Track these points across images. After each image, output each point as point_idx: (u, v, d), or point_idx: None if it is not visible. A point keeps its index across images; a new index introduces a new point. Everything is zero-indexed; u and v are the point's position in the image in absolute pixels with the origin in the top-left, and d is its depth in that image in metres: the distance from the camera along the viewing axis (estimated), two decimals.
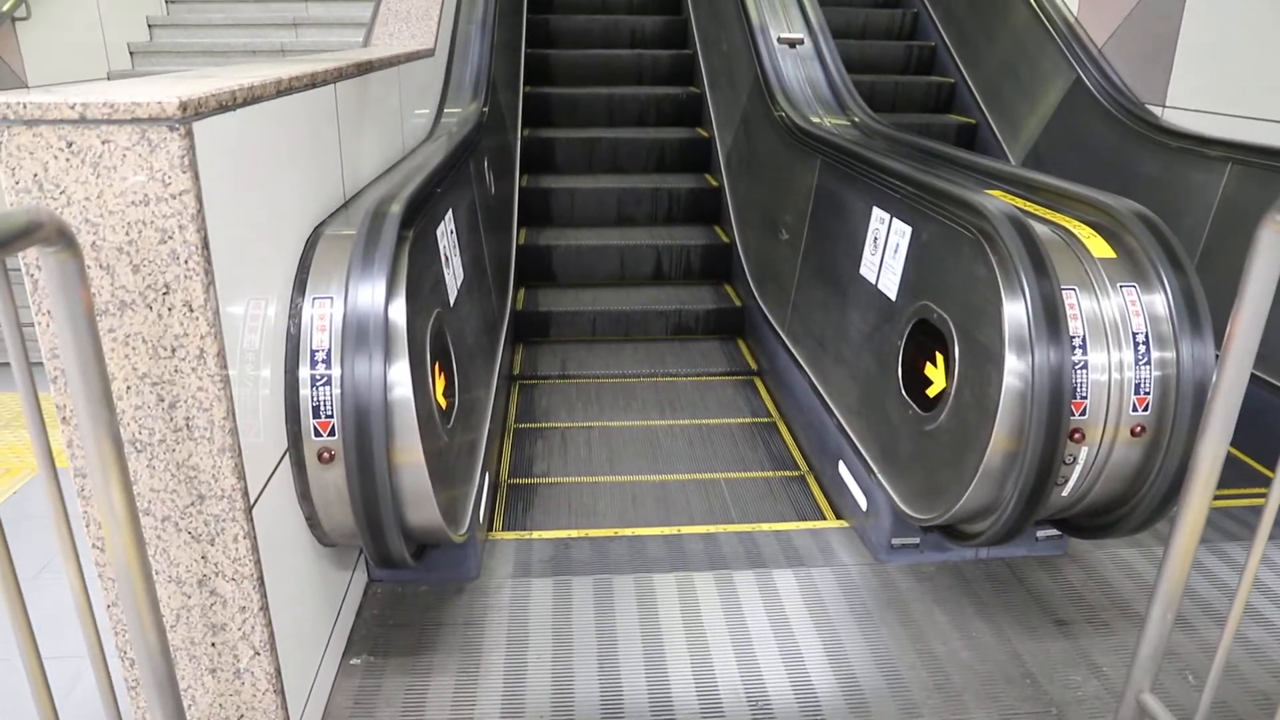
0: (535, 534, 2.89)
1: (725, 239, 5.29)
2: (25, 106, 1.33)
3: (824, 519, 3.10)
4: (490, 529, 3.00)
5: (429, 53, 3.80)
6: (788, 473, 3.46)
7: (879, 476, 2.65)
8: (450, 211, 2.73)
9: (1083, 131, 4.78)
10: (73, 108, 1.33)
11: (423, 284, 2.17)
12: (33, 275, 1.37)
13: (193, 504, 1.57)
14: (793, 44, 4.58)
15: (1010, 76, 5.56)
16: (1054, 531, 2.67)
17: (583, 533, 2.91)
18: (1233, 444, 1.54)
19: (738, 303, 4.92)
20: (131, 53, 5.87)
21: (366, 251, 1.89)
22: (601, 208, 5.58)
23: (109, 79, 5.55)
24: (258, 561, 1.64)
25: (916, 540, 2.64)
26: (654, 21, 6.88)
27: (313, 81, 2.00)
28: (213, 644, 1.68)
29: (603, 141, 5.91)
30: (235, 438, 1.54)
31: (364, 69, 2.51)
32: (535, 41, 6.60)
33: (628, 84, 6.49)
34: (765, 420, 3.94)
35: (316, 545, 2.08)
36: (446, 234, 2.61)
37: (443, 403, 2.21)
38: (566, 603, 2.47)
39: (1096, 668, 2.26)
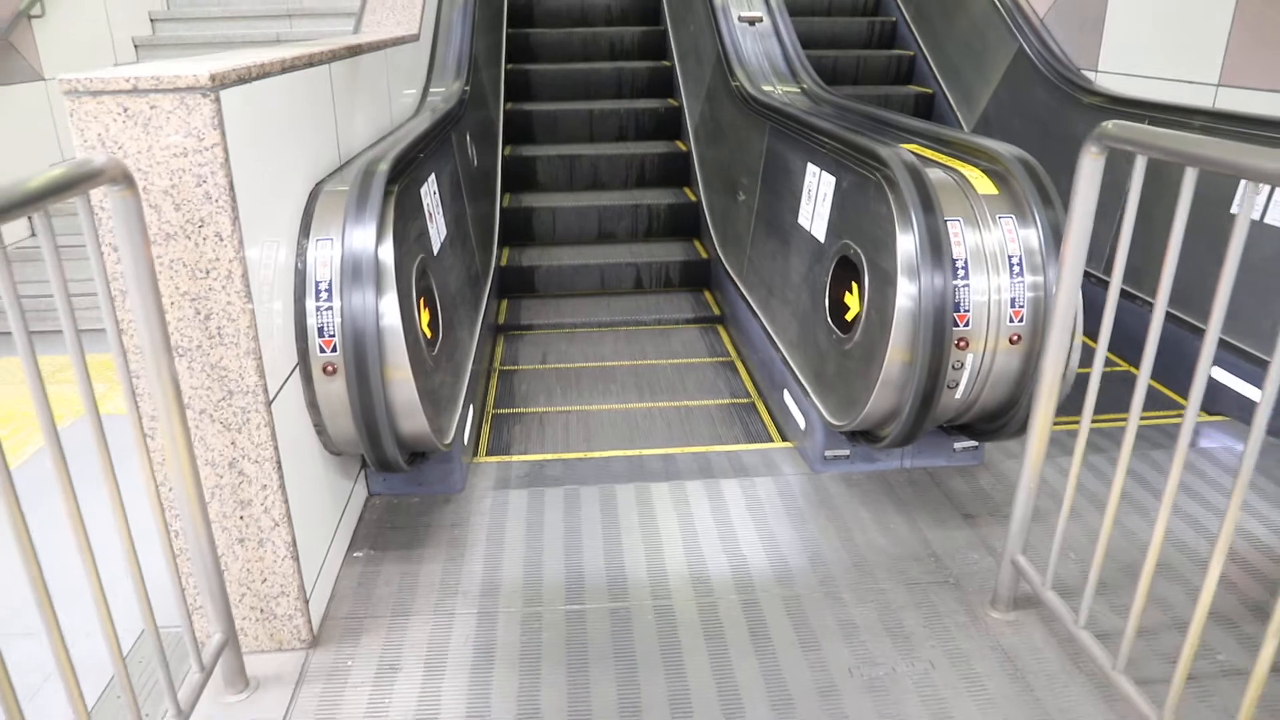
0: (515, 457, 3.29)
1: (693, 197, 5.66)
2: (91, 81, 1.71)
3: (771, 441, 3.49)
4: (475, 454, 3.39)
5: (414, 38, 4.16)
6: (741, 400, 3.85)
7: (812, 396, 3.04)
8: (433, 175, 3.11)
9: (1026, 97, 5.14)
10: (127, 80, 1.71)
11: (408, 232, 2.55)
12: (97, 214, 1.75)
13: (224, 399, 1.96)
14: (752, 22, 4.94)
15: (963, 48, 5.91)
16: (971, 444, 3.06)
17: (556, 455, 3.30)
18: (1154, 377, 1.90)
19: (704, 256, 5.31)
20: (136, 46, 6.22)
21: (359, 202, 2.28)
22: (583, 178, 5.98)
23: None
24: (276, 447, 2.03)
25: (847, 452, 3.03)
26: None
27: (310, 61, 2.38)
28: (240, 517, 2.08)
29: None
30: (257, 343, 1.93)
31: (355, 51, 2.89)
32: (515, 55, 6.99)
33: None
34: (725, 360, 4.33)
35: (324, 454, 2.48)
36: (430, 193, 2.99)
37: (428, 333, 2.60)
38: (539, 508, 2.87)
39: (992, 549, 2.65)
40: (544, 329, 4.81)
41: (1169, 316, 3.70)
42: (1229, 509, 1.51)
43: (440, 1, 4.88)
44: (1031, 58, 5.08)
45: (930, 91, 6.23)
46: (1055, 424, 2.14)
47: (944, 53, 6.17)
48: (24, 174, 1.43)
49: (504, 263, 5.24)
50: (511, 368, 4.33)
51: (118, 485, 1.55)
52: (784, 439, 3.49)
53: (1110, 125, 1.83)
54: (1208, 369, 1.59)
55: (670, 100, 6.52)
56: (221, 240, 1.83)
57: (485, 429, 3.69)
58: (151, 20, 6.44)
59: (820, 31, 6.70)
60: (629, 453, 3.30)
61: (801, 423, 3.20)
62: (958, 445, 3.05)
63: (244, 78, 1.87)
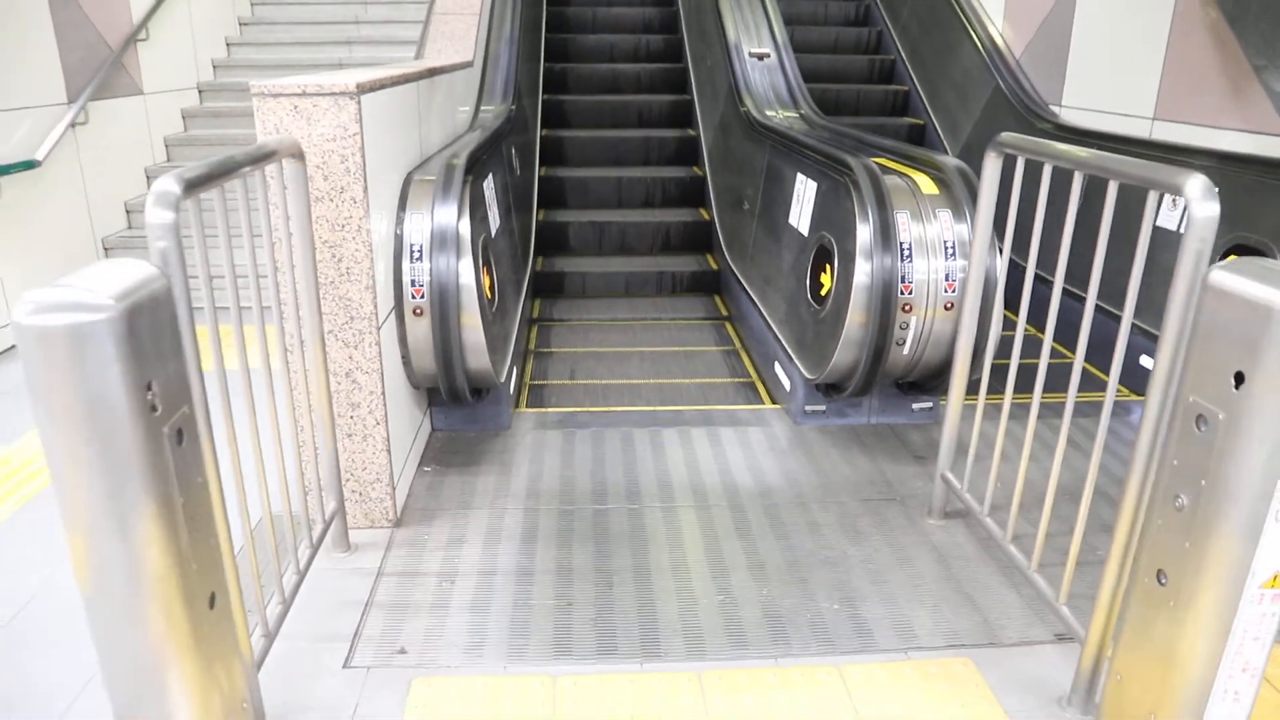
0: (551, 409, 3.97)
1: (706, 216, 6.36)
2: (272, 86, 2.42)
3: (763, 403, 4.15)
4: (518, 406, 4.07)
5: (469, 64, 4.90)
6: (742, 379, 4.52)
7: (794, 359, 3.72)
8: (490, 175, 3.82)
9: (1001, 127, 5.81)
10: (298, 87, 2.42)
11: (476, 214, 3.25)
12: (273, 179, 2.45)
13: (347, 323, 2.65)
14: (760, 57, 5.66)
15: (951, 85, 6.61)
16: (927, 404, 3.72)
17: (586, 409, 3.98)
18: (1088, 360, 2.44)
19: (714, 267, 5.99)
20: (214, 66, 7.00)
21: (445, 187, 2.99)
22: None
23: (198, 88, 6.69)
24: (381, 363, 2.72)
25: (823, 407, 3.70)
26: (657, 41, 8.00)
27: (408, 78, 3.10)
28: (351, 416, 2.76)
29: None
30: (374, 281, 2.63)
31: (433, 73, 3.61)
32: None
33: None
34: (730, 348, 5.01)
35: (407, 386, 3.16)
36: (489, 188, 3.70)
37: (489, 294, 3.29)
38: (571, 442, 3.55)
39: (933, 479, 3.30)
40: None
41: (1107, 313, 4.35)
42: (1094, 451, 2.17)
43: (489, 34, 5.62)
44: (1006, 94, 5.77)
45: (922, 122, 6.93)
46: (992, 398, 2.78)
47: (935, 88, 6.88)
48: (230, 151, 2.07)
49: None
50: (546, 350, 5.02)
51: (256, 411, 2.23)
52: (774, 401, 4.15)
53: (1004, 135, 2.51)
54: (1122, 348, 2.25)
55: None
56: (355, 203, 2.53)
57: (524, 395, 4.37)
58: (227, 44, 7.23)
59: (826, 67, 7.43)
60: (645, 409, 3.97)
61: (787, 384, 3.87)
62: (915, 405, 3.71)
63: (374, 87, 2.58)
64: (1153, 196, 1.91)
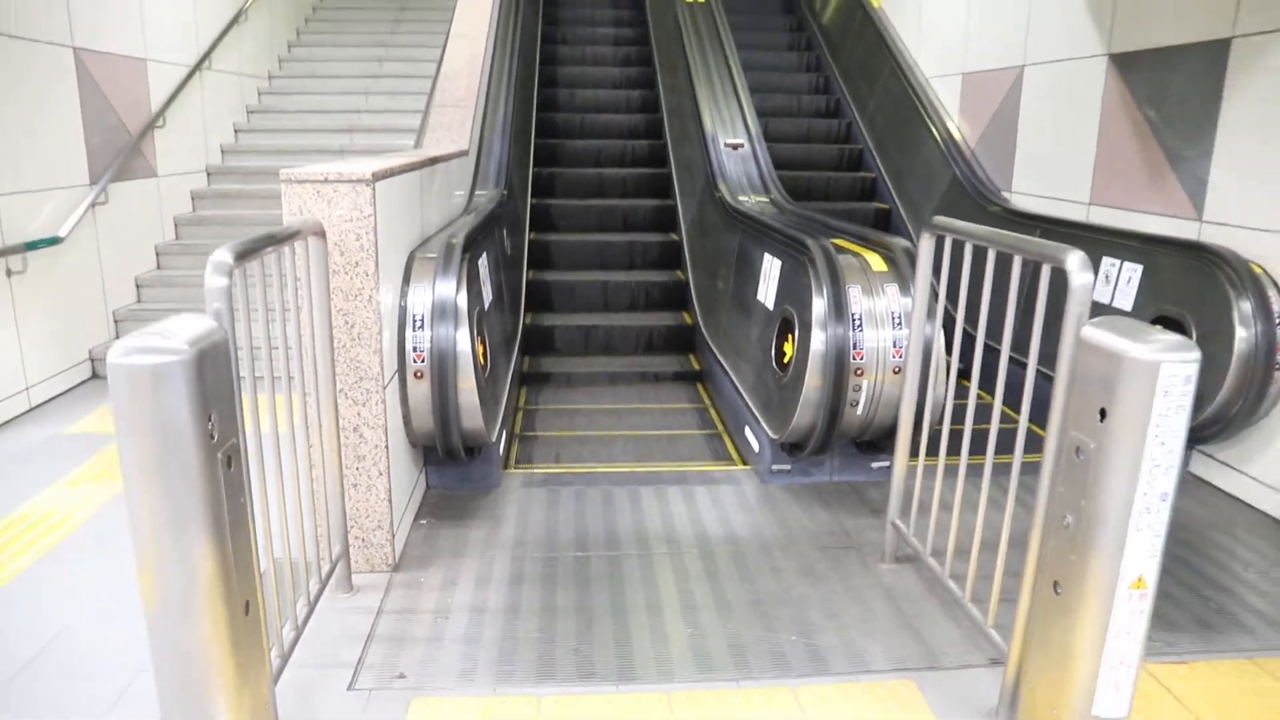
0: (537, 469, 4.26)
1: (682, 277, 6.75)
2: (298, 174, 2.78)
3: (734, 464, 4.46)
4: (506, 466, 4.36)
5: (464, 153, 5.32)
6: (711, 431, 4.84)
7: (761, 422, 4.04)
8: (485, 254, 4.19)
9: (960, 213, 6.25)
10: (321, 175, 2.78)
11: (472, 288, 3.60)
12: (297, 253, 2.79)
13: (356, 382, 2.97)
14: (735, 147, 6.13)
15: (913, 173, 7.10)
16: (884, 462, 4.03)
17: (569, 468, 4.28)
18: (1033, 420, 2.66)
19: (694, 356, 6.34)
20: (222, 151, 7.44)
21: (445, 264, 3.34)
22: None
23: (207, 171, 7.11)
24: (386, 419, 3.03)
25: (789, 467, 4.01)
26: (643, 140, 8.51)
27: (414, 166, 3.48)
28: (357, 468, 3.06)
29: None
30: (381, 345, 2.95)
31: (434, 161, 4.00)
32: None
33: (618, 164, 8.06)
34: (701, 406, 5.34)
35: (406, 444, 3.46)
36: (484, 265, 4.06)
37: (483, 361, 3.62)
38: (556, 498, 3.84)
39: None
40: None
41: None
42: (1009, 494, 2.50)
43: (483, 124, 6.06)
44: (961, 181, 6.24)
45: (888, 207, 7.40)
46: (952, 459, 3.09)
47: (899, 175, 7.36)
48: (260, 229, 2.41)
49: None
50: (534, 408, 5.33)
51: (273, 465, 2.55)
52: (744, 462, 4.46)
53: (935, 219, 2.89)
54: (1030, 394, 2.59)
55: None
56: (367, 276, 2.87)
57: (513, 451, 4.66)
58: (235, 130, 7.69)
59: (799, 156, 7.93)
60: (624, 468, 4.28)
61: (756, 446, 4.18)
62: (874, 464, 4.03)
63: (386, 175, 2.96)
64: (1046, 268, 2.27)
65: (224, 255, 1.95)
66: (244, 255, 2.05)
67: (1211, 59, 4.09)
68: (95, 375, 5.53)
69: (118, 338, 5.73)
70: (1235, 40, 3.95)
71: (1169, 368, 1.76)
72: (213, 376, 1.73)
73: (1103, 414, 1.86)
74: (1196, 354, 1.77)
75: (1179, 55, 4.31)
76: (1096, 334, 1.90)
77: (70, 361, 5.32)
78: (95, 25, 5.52)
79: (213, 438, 1.73)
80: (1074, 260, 2.07)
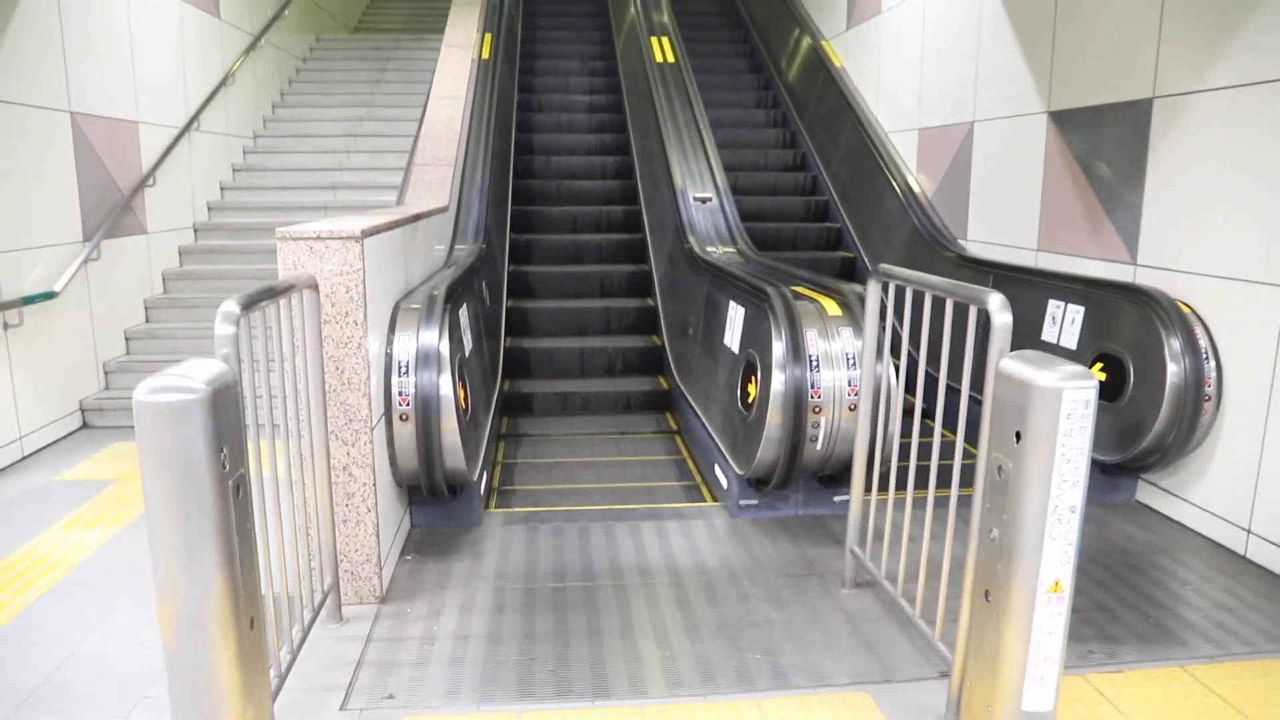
0: (518, 509, 4.45)
1: (658, 343, 7.00)
2: (292, 231, 3.01)
3: (704, 501, 4.66)
4: (487, 507, 4.55)
5: (445, 209, 5.57)
6: (688, 482, 5.05)
7: (729, 460, 4.26)
8: (465, 304, 4.42)
9: (919, 260, 6.57)
10: (314, 232, 3.02)
11: (453, 337, 3.82)
12: (293, 306, 3.01)
13: (346, 424, 3.17)
14: (704, 201, 6.43)
15: (876, 223, 7.43)
16: (846, 496, 4.25)
17: (549, 509, 4.47)
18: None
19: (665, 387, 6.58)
20: (209, 208, 7.67)
21: (428, 314, 3.57)
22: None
23: (194, 228, 7.34)
24: (374, 458, 3.23)
25: (755, 502, 4.22)
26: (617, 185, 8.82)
27: (399, 223, 3.72)
28: (347, 505, 3.25)
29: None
30: (369, 390, 3.17)
31: (417, 218, 4.25)
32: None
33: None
34: (673, 447, 5.55)
35: (392, 483, 3.66)
36: (464, 315, 4.29)
37: (464, 404, 3.83)
38: (535, 534, 4.03)
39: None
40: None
41: None
42: (948, 520, 2.73)
43: (462, 181, 6.33)
44: (920, 231, 6.56)
45: (852, 255, 7.72)
46: (920, 492, 3.32)
47: (863, 226, 7.69)
48: (262, 283, 2.63)
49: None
50: (513, 458, 5.52)
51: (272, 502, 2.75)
52: (714, 499, 4.66)
53: (881, 266, 3.16)
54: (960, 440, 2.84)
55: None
56: (356, 325, 3.10)
57: (493, 501, 4.85)
58: (221, 188, 7.93)
59: (767, 207, 8.26)
60: (601, 508, 4.47)
61: (724, 483, 4.40)
62: (836, 498, 4.25)
63: (373, 231, 3.19)
64: (973, 309, 2.53)
65: (232, 306, 2.17)
66: (248, 306, 2.27)
67: (1137, 116, 4.42)
68: (86, 425, 5.69)
69: (107, 389, 5.91)
70: (1156, 100, 4.29)
71: (1070, 394, 2.01)
72: (224, 413, 1.94)
73: (1018, 436, 2.10)
74: (1094, 381, 2.02)
75: (1109, 113, 4.65)
76: (1011, 365, 2.15)
77: (62, 411, 5.48)
78: (91, 90, 5.77)
79: (224, 467, 1.94)
80: (994, 302, 2.33)
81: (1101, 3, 4.69)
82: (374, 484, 3.26)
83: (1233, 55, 3.86)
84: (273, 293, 2.50)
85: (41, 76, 5.27)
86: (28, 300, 5.02)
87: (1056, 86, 5.13)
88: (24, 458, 5.11)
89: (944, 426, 2.88)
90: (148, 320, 6.51)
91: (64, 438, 5.47)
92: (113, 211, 6.02)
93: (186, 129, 7.15)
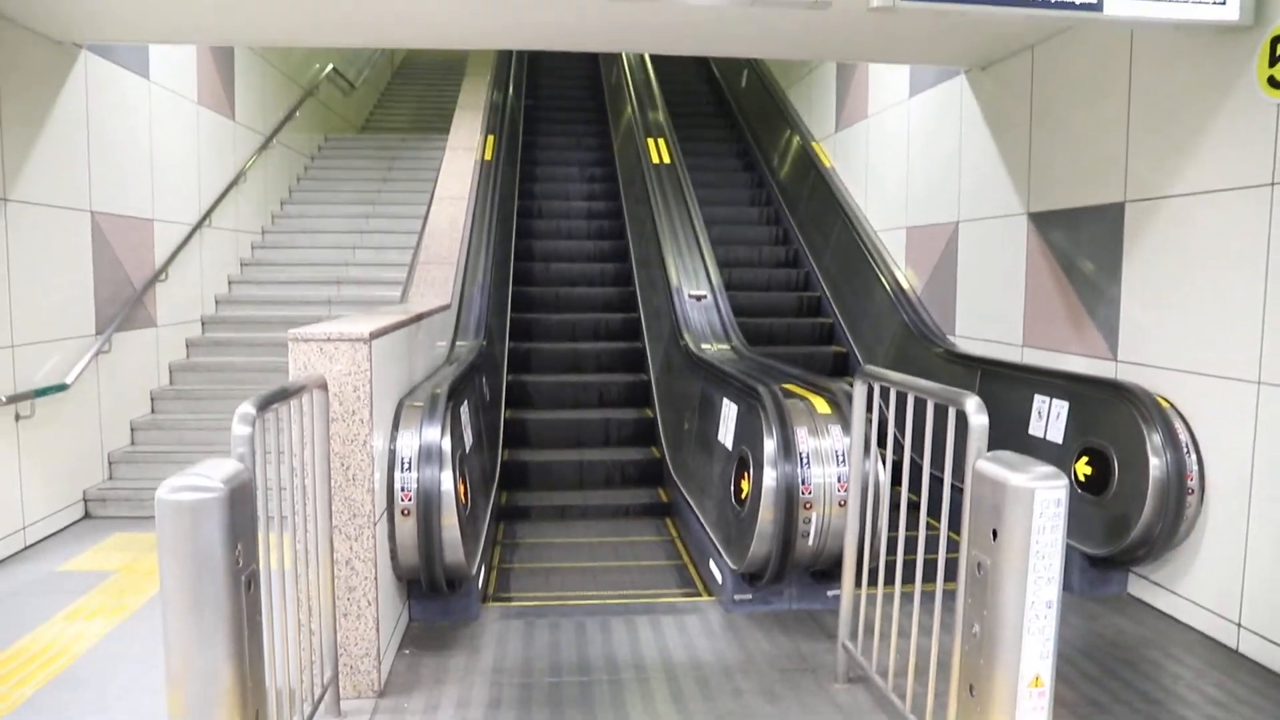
0: (515, 602, 4.50)
1: (657, 455, 7.10)
2: (304, 332, 3.16)
3: (699, 595, 4.71)
4: (485, 601, 4.59)
5: (447, 307, 5.75)
6: (677, 562, 5.10)
7: (722, 554, 4.33)
8: (466, 401, 4.55)
9: (909, 355, 6.73)
10: (324, 334, 3.16)
11: (455, 433, 3.94)
12: (304, 406, 3.13)
13: (350, 519, 3.27)
14: (698, 298, 6.62)
15: (867, 319, 7.62)
16: (838, 591, 4.31)
17: (544, 601, 4.52)
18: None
19: (664, 496, 6.66)
20: (217, 301, 7.87)
21: (431, 411, 3.70)
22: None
23: (202, 321, 7.52)
24: (376, 553, 3.31)
25: (750, 596, 4.28)
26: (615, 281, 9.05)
27: (404, 324, 3.87)
28: (348, 599, 3.32)
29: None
30: (373, 485, 3.27)
31: (420, 317, 4.41)
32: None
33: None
34: (668, 539, 5.60)
35: (392, 577, 3.73)
36: (465, 412, 4.42)
37: (464, 499, 3.93)
38: (532, 628, 4.08)
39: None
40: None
41: None
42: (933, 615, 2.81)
43: (464, 279, 6.53)
44: (909, 327, 6.73)
45: (845, 350, 7.89)
46: (908, 587, 3.39)
47: (854, 321, 7.88)
48: (277, 383, 2.76)
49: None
50: (511, 548, 5.57)
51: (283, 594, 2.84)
52: (709, 594, 4.71)
53: (866, 367, 3.29)
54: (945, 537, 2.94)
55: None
56: (362, 423, 3.22)
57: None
58: (229, 282, 8.14)
59: (760, 303, 8.47)
60: (595, 600, 4.52)
61: (719, 577, 4.46)
62: (829, 592, 4.30)
63: (381, 333, 3.34)
64: (952, 410, 2.65)
65: (248, 408, 2.29)
66: (263, 407, 2.39)
67: (1111, 219, 4.63)
68: (88, 515, 5.75)
69: (111, 478, 5.99)
70: (1128, 204, 4.51)
71: (1042, 493, 2.12)
72: (240, 511, 2.05)
73: (995, 534, 2.20)
74: (1064, 481, 2.14)
75: (1085, 215, 4.87)
76: (987, 466, 2.26)
77: (66, 501, 5.55)
78: (111, 190, 6.00)
79: (238, 563, 2.03)
80: (970, 404, 2.46)
81: (1073, 113, 4.95)
82: (375, 578, 3.33)
83: (1192, 165, 4.08)
84: (285, 394, 2.63)
85: (66, 179, 5.51)
86: (40, 392, 5.14)
87: (1035, 189, 5.36)
88: (26, 548, 5.16)
89: (931, 515, 2.97)
90: (153, 411, 6.62)
91: (66, 528, 5.53)
92: (126, 306, 6.19)
93: (199, 226, 7.39)
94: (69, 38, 5.42)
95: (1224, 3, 3.60)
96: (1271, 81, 3.66)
